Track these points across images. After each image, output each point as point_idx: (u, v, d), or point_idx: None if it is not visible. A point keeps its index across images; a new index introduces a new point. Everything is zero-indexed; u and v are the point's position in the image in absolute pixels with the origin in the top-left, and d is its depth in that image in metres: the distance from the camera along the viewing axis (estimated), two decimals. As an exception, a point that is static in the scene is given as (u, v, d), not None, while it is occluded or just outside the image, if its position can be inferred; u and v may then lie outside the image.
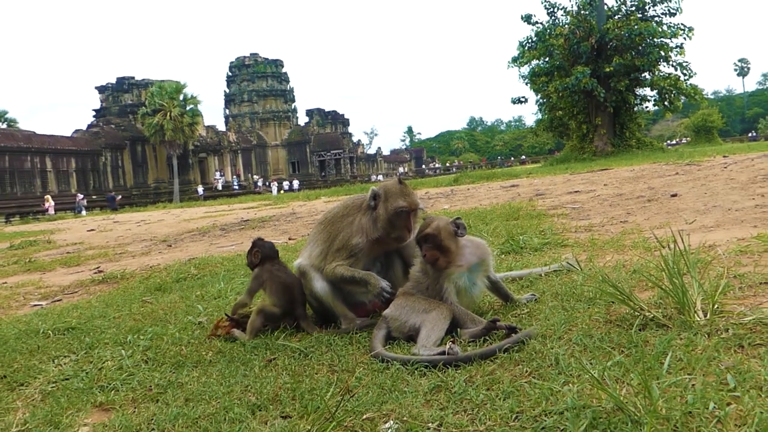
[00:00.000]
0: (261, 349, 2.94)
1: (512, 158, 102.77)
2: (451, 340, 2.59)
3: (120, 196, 49.15)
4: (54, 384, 2.84)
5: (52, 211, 39.95)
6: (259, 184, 61.96)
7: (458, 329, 2.72)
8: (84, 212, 39.07)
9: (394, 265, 3.27)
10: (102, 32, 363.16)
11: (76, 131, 56.56)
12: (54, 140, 51.52)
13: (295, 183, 63.55)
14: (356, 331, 3.01)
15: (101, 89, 61.59)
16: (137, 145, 57.85)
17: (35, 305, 5.51)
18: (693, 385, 1.85)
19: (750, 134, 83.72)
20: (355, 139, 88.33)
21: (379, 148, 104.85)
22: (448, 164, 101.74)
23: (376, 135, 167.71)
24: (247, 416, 2.15)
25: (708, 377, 1.90)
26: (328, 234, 3.28)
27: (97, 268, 7.71)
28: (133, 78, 61.69)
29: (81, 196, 47.54)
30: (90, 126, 57.86)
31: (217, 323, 3.33)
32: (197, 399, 2.39)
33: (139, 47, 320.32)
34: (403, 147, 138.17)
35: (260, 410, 2.21)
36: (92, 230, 15.82)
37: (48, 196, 43.37)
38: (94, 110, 60.92)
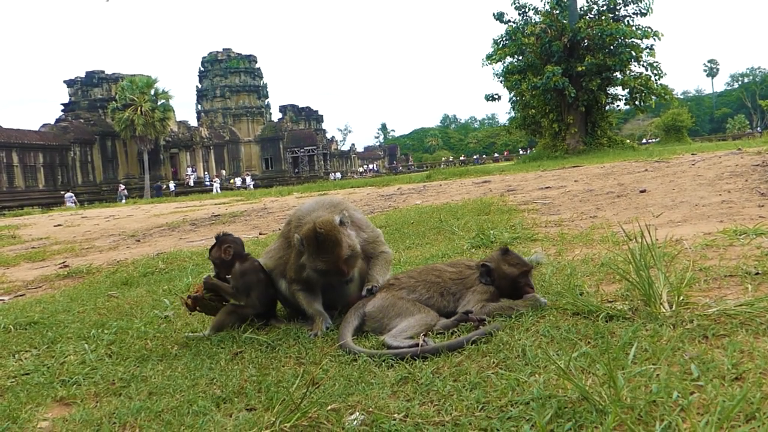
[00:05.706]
0: (228, 342, 2.91)
1: (485, 155, 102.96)
2: (424, 333, 2.57)
3: (165, 186, 50.75)
4: (13, 379, 2.78)
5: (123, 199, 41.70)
6: (238, 182, 60.52)
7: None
8: (124, 200, 39.44)
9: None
10: (71, 26, 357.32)
11: (44, 125, 55.41)
12: (21, 134, 50.45)
13: (248, 180, 61.24)
14: (324, 332, 2.90)
15: (70, 83, 60.29)
16: (107, 140, 56.89)
17: (-3, 300, 5.38)
18: (657, 374, 1.86)
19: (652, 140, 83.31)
20: (329, 135, 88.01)
21: (353, 144, 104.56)
22: (448, 158, 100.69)
23: (350, 132, 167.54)
24: (212, 409, 2.12)
25: (672, 367, 1.92)
26: (287, 255, 3.15)
27: (63, 262, 7.57)
28: (103, 72, 60.46)
29: (122, 186, 49.01)
30: (58, 120, 56.65)
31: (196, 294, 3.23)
32: (161, 392, 2.36)
33: (110, 41, 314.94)
34: (377, 144, 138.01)
35: (225, 403, 2.18)
36: (59, 225, 15.51)
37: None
38: (62, 104, 59.60)
